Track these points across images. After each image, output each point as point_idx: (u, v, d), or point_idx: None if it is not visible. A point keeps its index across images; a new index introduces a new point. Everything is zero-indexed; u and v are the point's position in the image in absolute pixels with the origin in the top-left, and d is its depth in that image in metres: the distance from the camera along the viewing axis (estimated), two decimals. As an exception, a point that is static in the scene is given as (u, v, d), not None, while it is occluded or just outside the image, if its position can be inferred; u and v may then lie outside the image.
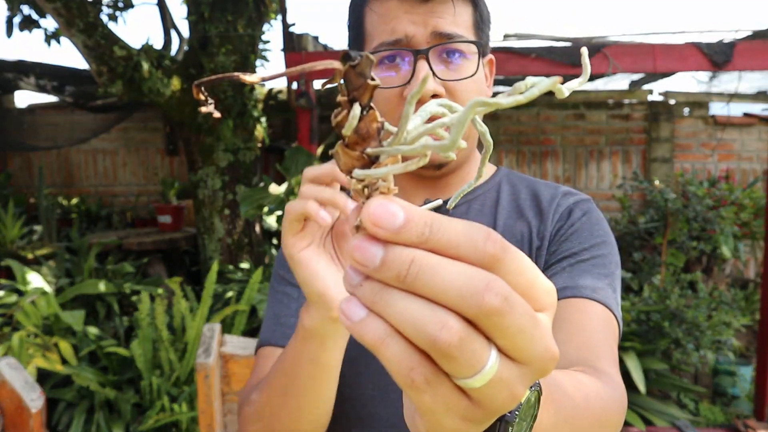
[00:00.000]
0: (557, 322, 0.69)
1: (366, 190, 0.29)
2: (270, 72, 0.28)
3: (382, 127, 0.29)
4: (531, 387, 0.38)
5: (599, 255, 0.76)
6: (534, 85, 0.27)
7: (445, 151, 0.27)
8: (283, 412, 0.68)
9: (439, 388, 0.27)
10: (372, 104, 0.28)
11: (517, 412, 0.36)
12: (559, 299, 0.70)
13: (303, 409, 0.67)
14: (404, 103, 0.74)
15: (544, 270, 0.77)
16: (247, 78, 0.27)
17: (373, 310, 0.27)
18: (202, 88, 0.28)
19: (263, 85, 4.34)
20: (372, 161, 0.29)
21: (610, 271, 0.76)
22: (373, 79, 0.27)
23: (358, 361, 0.77)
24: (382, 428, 0.77)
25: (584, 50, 0.28)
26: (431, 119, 0.31)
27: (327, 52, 3.01)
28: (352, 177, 0.29)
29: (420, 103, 0.73)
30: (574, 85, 0.27)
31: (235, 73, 0.28)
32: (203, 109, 0.29)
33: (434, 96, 0.73)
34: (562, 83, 0.27)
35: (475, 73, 0.76)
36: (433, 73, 0.74)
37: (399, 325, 0.27)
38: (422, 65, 0.73)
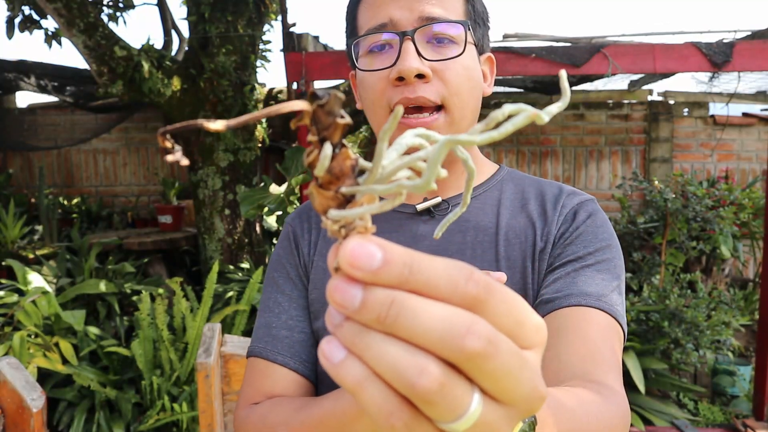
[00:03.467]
0: (559, 329, 0.68)
1: (343, 230, 0.28)
2: (234, 120, 0.26)
3: (356, 164, 0.28)
4: (525, 421, 0.37)
5: (604, 259, 0.75)
6: (510, 118, 0.26)
7: (420, 191, 0.26)
8: None
9: None
10: (343, 142, 0.28)
11: None
12: (563, 307, 0.69)
13: None
14: (390, 87, 0.73)
15: (548, 272, 0.76)
16: (211, 126, 0.26)
17: (352, 351, 0.26)
18: (167, 136, 0.27)
19: (264, 85, 4.34)
20: (348, 200, 0.28)
21: (615, 275, 0.74)
22: (342, 117, 0.27)
23: None
24: None
25: (563, 73, 0.27)
26: (408, 152, 0.30)
27: (327, 52, 3.01)
28: (326, 218, 0.28)
29: (405, 81, 0.72)
30: (553, 109, 0.26)
31: (198, 121, 0.27)
32: (169, 158, 0.28)
33: (418, 76, 0.72)
34: (545, 104, 0.26)
35: (462, 53, 0.75)
36: (419, 54, 0.72)
37: (378, 369, 0.26)
38: (408, 46, 0.72)
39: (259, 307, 0.86)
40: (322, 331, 0.81)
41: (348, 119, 0.27)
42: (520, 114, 0.26)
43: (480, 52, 0.81)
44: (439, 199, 0.82)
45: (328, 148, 0.27)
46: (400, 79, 0.73)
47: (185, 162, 0.28)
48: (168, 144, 0.27)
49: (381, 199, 0.28)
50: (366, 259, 0.26)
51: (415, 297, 0.26)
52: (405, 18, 0.73)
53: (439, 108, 0.75)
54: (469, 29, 0.76)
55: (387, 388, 0.26)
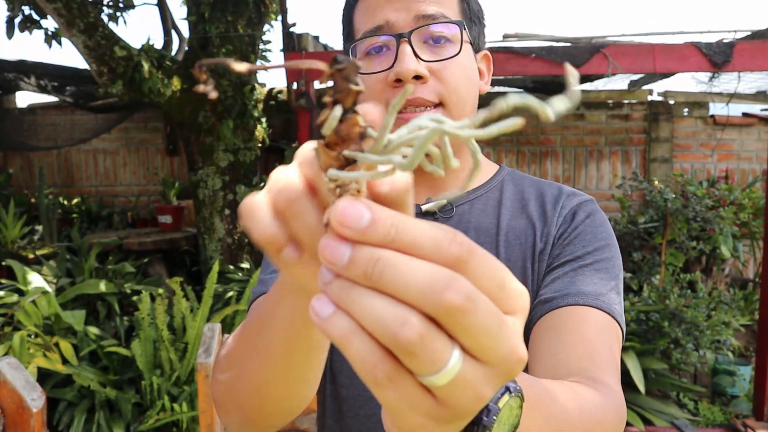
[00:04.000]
0: (557, 328, 0.68)
1: (338, 190, 0.29)
2: (256, 65, 0.28)
3: (364, 132, 0.29)
4: (511, 393, 0.38)
5: (602, 259, 0.75)
6: (502, 118, 0.27)
7: (404, 170, 0.28)
8: (251, 365, 0.56)
9: (401, 385, 0.28)
10: (356, 109, 0.29)
11: (495, 417, 0.36)
12: (561, 306, 0.70)
13: (272, 368, 0.53)
14: (389, 89, 0.74)
15: (547, 273, 0.77)
16: (236, 66, 0.28)
17: (340, 306, 0.28)
18: (204, 68, 0.29)
19: (264, 85, 4.34)
20: (349, 163, 0.29)
21: (614, 275, 0.75)
22: (357, 84, 0.28)
23: None
24: (380, 428, 0.77)
25: (569, 67, 0.27)
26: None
27: (327, 52, 3.02)
28: (326, 176, 0.30)
29: (402, 83, 0.73)
30: (561, 107, 0.26)
31: (227, 60, 0.29)
32: (201, 88, 0.30)
33: (416, 77, 0.73)
34: (563, 86, 0.27)
35: (458, 53, 0.75)
36: (416, 56, 0.73)
37: (363, 322, 0.27)
38: (404, 48, 0.73)
39: (258, 279, 0.88)
40: None
41: (362, 87, 0.28)
42: (509, 120, 0.26)
43: (476, 50, 0.81)
44: (444, 201, 0.82)
45: (338, 110, 0.28)
46: (398, 81, 0.73)
47: (214, 95, 0.30)
48: (203, 76, 0.29)
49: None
50: (355, 218, 0.27)
51: (401, 255, 0.27)
52: (401, 19, 0.74)
53: (437, 105, 0.75)
54: (465, 28, 0.77)
55: (372, 341, 0.27)
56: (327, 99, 0.29)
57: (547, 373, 0.64)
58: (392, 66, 0.73)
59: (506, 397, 0.37)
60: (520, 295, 0.30)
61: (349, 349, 0.27)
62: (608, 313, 0.70)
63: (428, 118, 0.30)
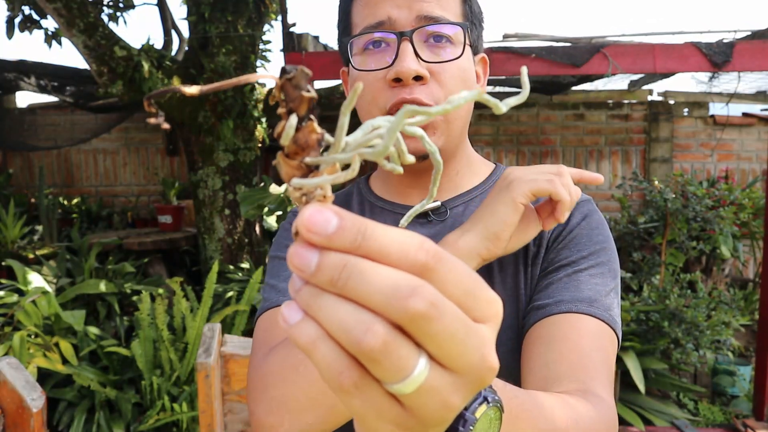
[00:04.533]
0: (550, 337, 0.67)
1: (304, 198, 0.30)
2: (208, 86, 0.28)
3: (322, 138, 0.30)
4: (489, 403, 0.37)
5: (598, 263, 0.74)
6: (460, 96, 0.28)
7: (377, 158, 0.28)
8: (293, 387, 0.62)
9: (368, 392, 0.27)
10: (311, 116, 0.29)
11: (471, 428, 0.35)
12: (555, 314, 0.69)
13: (308, 389, 0.60)
14: (387, 88, 0.73)
15: (541, 277, 0.75)
16: (186, 90, 0.28)
17: (308, 313, 0.28)
18: (152, 101, 0.29)
19: (264, 85, 4.34)
20: (311, 170, 0.30)
21: (609, 279, 0.74)
22: (308, 91, 0.28)
23: None
24: None
25: (524, 69, 0.29)
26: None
27: (327, 52, 3.01)
28: (290, 186, 0.30)
29: (401, 82, 0.71)
30: (512, 102, 0.29)
31: (176, 87, 0.29)
32: (152, 121, 0.30)
33: (416, 78, 0.71)
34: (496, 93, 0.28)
35: (460, 56, 0.74)
36: (417, 55, 0.72)
37: (329, 328, 0.27)
38: (406, 47, 0.71)
39: (265, 278, 0.85)
40: None
41: (313, 93, 0.29)
42: (471, 92, 0.28)
43: (474, 53, 0.80)
44: (438, 203, 0.81)
45: (293, 119, 0.29)
46: (397, 80, 0.72)
47: (166, 126, 0.30)
48: (152, 109, 0.29)
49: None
50: (322, 224, 0.27)
51: (367, 261, 0.27)
52: (403, 17, 0.72)
53: None
54: (468, 31, 0.76)
55: (338, 348, 0.27)
56: (281, 110, 0.29)
57: (540, 384, 0.63)
58: (392, 64, 0.72)
59: (483, 407, 0.36)
60: (491, 302, 0.29)
61: (316, 356, 0.27)
62: (603, 321, 0.69)
63: (382, 119, 0.30)
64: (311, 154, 0.29)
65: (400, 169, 0.30)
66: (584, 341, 0.66)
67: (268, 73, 0.29)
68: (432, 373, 0.27)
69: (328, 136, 0.30)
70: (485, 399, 0.37)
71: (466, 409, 0.37)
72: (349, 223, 0.27)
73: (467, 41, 0.75)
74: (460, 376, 0.28)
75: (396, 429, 0.29)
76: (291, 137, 0.29)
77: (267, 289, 0.83)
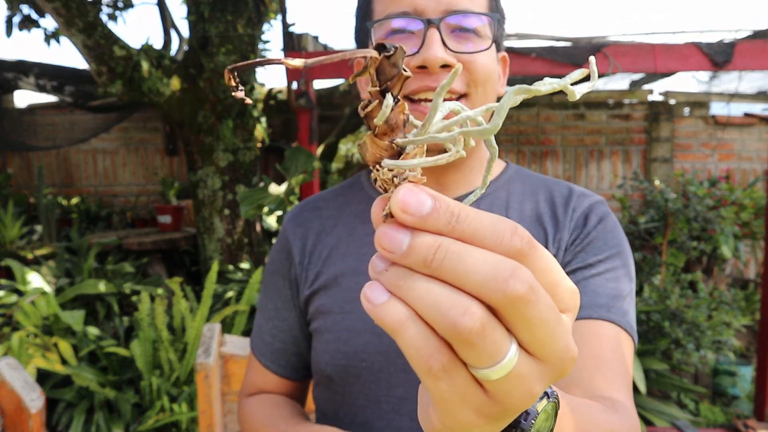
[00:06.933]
0: None
1: (395, 179, 0.29)
2: (312, 59, 0.27)
3: (407, 119, 0.29)
4: (549, 398, 0.37)
5: (614, 267, 0.74)
6: (559, 81, 0.28)
7: (486, 136, 0.28)
8: None
9: (456, 376, 0.27)
10: (400, 97, 0.29)
11: (533, 422, 0.35)
12: None
13: None
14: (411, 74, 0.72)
15: None
16: (290, 62, 0.27)
17: (395, 294, 0.27)
18: (235, 74, 0.28)
19: (263, 84, 4.34)
20: (399, 152, 0.29)
21: (625, 283, 0.73)
22: (405, 70, 0.28)
23: (349, 371, 0.76)
24: None
25: (592, 59, 0.29)
26: (449, 116, 0.31)
27: (326, 51, 3.01)
28: (380, 167, 0.29)
29: (426, 69, 0.70)
30: (584, 89, 0.28)
31: (277, 58, 0.28)
32: (235, 94, 0.29)
33: (444, 67, 0.70)
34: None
35: (489, 48, 0.73)
36: (445, 45, 0.70)
37: (421, 309, 0.26)
38: (433, 34, 0.69)
39: (258, 304, 0.91)
40: (323, 329, 0.80)
41: (409, 72, 0.28)
42: (572, 75, 0.28)
43: (497, 50, 0.78)
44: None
45: (390, 98, 0.28)
46: (422, 67, 0.70)
47: (249, 101, 0.29)
48: (233, 83, 0.28)
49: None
50: (417, 204, 0.27)
51: (462, 243, 0.27)
52: (430, 8, 0.70)
53: (460, 97, 0.72)
54: (496, 23, 0.74)
55: (428, 329, 0.27)
56: (372, 89, 0.28)
57: (562, 391, 0.63)
58: (417, 51, 0.70)
59: (545, 401, 0.36)
60: (572, 293, 0.30)
61: (404, 337, 0.27)
62: (620, 326, 0.69)
63: (454, 103, 0.30)
64: (398, 134, 0.29)
65: (464, 153, 0.30)
66: (604, 349, 0.66)
67: (370, 50, 0.28)
68: (521, 359, 0.27)
69: (411, 118, 0.30)
70: (546, 393, 0.37)
71: None
72: (443, 205, 0.27)
73: (494, 35, 0.74)
74: (546, 365, 0.28)
75: (476, 416, 0.29)
76: (386, 117, 0.28)
77: (257, 324, 0.90)
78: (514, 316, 0.26)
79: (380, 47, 0.28)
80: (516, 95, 0.27)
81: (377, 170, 0.29)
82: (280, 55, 3.54)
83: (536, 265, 0.27)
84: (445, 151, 0.30)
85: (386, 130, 0.29)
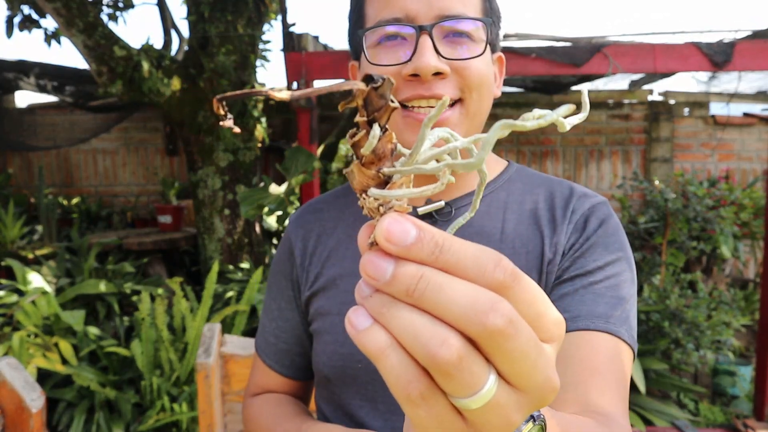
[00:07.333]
0: (567, 357, 0.65)
1: (381, 208, 0.30)
2: (299, 91, 0.28)
3: (395, 148, 0.30)
4: (534, 421, 0.37)
5: (614, 274, 0.71)
6: (545, 115, 0.28)
7: (471, 169, 0.28)
8: None
9: (434, 404, 0.27)
10: (387, 126, 0.29)
11: None
12: (570, 330, 0.67)
13: None
14: (403, 83, 0.70)
15: (555, 285, 0.72)
16: (276, 95, 0.28)
17: (378, 320, 0.28)
18: (223, 103, 0.29)
19: (263, 85, 4.34)
20: (386, 180, 0.30)
21: (625, 290, 0.71)
22: (392, 101, 0.28)
23: (345, 372, 0.76)
24: None
25: (584, 90, 0.30)
26: (438, 144, 0.32)
27: (327, 52, 3.01)
28: (367, 195, 0.30)
29: (419, 77, 0.69)
30: (574, 120, 0.29)
31: (264, 89, 0.28)
32: (223, 124, 0.30)
33: (436, 74, 0.68)
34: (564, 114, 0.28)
35: (482, 53, 0.71)
36: (437, 52, 0.68)
37: (401, 338, 0.27)
38: (425, 41, 0.67)
39: (262, 305, 0.92)
40: (322, 330, 0.80)
41: (396, 104, 0.29)
42: (556, 111, 0.28)
43: (492, 51, 0.77)
44: (442, 203, 0.77)
45: (377, 129, 0.29)
46: (415, 75, 0.69)
47: (237, 130, 0.30)
48: (222, 111, 0.29)
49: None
50: (401, 234, 0.27)
51: (444, 274, 0.27)
52: (422, 13, 0.69)
53: (454, 103, 0.71)
54: (489, 27, 0.73)
55: (408, 357, 0.27)
56: (360, 119, 0.29)
57: (556, 405, 0.62)
58: (410, 59, 0.69)
59: (530, 424, 0.36)
60: (557, 323, 0.29)
61: (384, 364, 0.27)
62: (619, 337, 0.67)
63: (441, 131, 0.30)
64: (386, 163, 0.30)
65: (453, 179, 0.30)
66: (600, 361, 0.65)
67: (357, 82, 0.28)
68: (499, 390, 0.27)
69: (399, 147, 0.30)
70: (532, 417, 0.37)
71: None
72: (428, 236, 0.27)
73: (488, 38, 0.72)
74: (525, 395, 0.28)
75: None
76: (373, 147, 0.29)
77: (261, 324, 0.91)
78: (493, 349, 0.26)
79: (368, 78, 0.28)
80: (502, 129, 0.27)
81: (364, 198, 0.30)
82: (280, 55, 3.53)
83: (519, 296, 0.27)
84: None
85: (373, 159, 0.29)
